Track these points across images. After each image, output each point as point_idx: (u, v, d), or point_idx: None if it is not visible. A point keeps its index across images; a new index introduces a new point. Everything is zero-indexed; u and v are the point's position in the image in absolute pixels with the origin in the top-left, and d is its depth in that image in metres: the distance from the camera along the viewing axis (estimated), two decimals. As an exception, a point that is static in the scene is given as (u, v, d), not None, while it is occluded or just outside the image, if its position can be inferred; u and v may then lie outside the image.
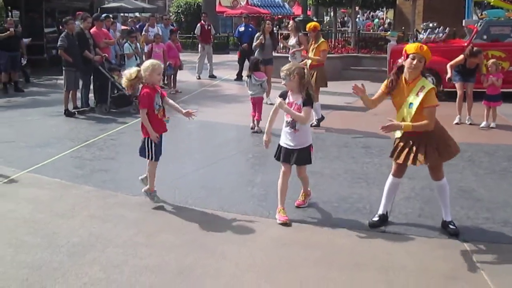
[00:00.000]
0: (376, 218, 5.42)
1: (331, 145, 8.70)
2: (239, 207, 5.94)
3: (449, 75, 10.06)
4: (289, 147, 5.55)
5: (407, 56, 4.95)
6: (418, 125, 4.92)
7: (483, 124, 10.08)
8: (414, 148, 5.06)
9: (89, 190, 6.54)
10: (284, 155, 5.59)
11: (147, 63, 5.91)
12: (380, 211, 5.47)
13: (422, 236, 5.17)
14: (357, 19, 32.26)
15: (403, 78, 5.07)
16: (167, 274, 4.40)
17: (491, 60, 10.28)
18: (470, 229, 5.32)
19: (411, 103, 4.97)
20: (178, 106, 6.11)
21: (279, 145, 5.66)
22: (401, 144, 5.16)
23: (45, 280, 4.27)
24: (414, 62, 4.90)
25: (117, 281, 4.28)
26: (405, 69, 5.01)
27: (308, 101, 5.47)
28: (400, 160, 5.15)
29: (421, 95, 4.90)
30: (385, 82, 5.25)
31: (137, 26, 18.98)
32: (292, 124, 5.51)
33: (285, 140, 5.58)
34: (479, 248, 4.90)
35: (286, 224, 5.45)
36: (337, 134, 9.54)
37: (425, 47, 4.97)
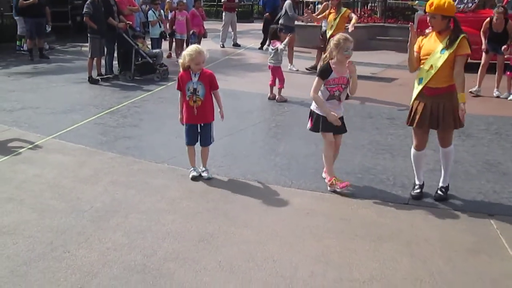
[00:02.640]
0: (418, 190, 5.40)
1: (355, 115, 8.61)
2: (261, 176, 5.93)
3: (483, 46, 9.90)
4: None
5: (428, 13, 5.10)
6: (462, 86, 4.95)
7: (504, 95, 10.02)
8: (433, 111, 5.08)
9: (113, 157, 6.59)
10: (331, 125, 5.47)
11: (188, 49, 5.75)
12: (417, 182, 5.45)
13: (446, 209, 5.12)
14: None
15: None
16: (189, 240, 4.43)
17: None
18: (495, 203, 5.25)
19: (443, 49, 4.96)
20: (220, 102, 5.90)
21: (318, 116, 5.50)
22: (420, 108, 5.13)
23: (69, 244, 4.33)
24: (429, 20, 5.05)
25: (140, 246, 4.32)
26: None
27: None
28: (422, 126, 5.16)
29: (455, 42, 4.92)
30: (418, 40, 5.25)
31: None
32: (339, 97, 5.47)
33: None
34: (504, 222, 4.83)
35: (348, 186, 5.53)
36: (362, 104, 9.44)
37: (435, 2, 4.94)
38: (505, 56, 9.90)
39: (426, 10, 5.04)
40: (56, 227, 4.65)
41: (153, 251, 4.24)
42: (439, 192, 5.33)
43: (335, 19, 10.17)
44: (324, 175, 5.75)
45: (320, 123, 5.49)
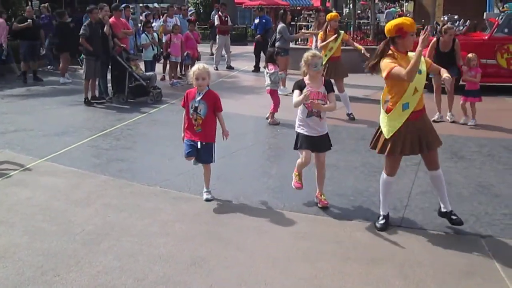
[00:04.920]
0: (382, 221, 5.22)
1: (347, 137, 8.64)
2: (254, 199, 5.92)
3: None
4: (315, 135, 5.54)
5: (405, 33, 4.89)
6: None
7: (462, 120, 9.65)
8: (413, 137, 4.94)
9: (105, 179, 6.57)
10: (308, 143, 5.56)
11: (193, 67, 5.92)
12: (383, 212, 5.27)
13: (439, 231, 5.11)
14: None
15: (396, 51, 4.97)
16: (181, 264, 4.40)
17: (470, 54, 9.66)
18: (488, 225, 5.24)
19: (419, 70, 4.84)
20: (223, 123, 5.92)
21: (299, 134, 5.62)
22: (407, 134, 4.93)
23: (59, 268, 4.30)
24: (413, 39, 4.96)
25: (131, 270, 4.28)
26: (403, 44, 4.94)
27: (331, 87, 5.63)
28: (398, 153, 5.00)
29: (423, 61, 4.90)
30: (389, 60, 4.90)
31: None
32: (318, 113, 5.52)
33: (309, 129, 5.55)
34: (497, 244, 4.83)
35: (298, 188, 5.67)
36: (355, 126, 9.47)
37: (412, 21, 5.03)
38: (468, 77, 9.55)
39: (412, 29, 4.91)
40: (47, 250, 4.62)
41: (144, 275, 4.21)
42: (453, 217, 5.10)
43: (335, 41, 10.21)
44: (316, 199, 5.76)
45: (298, 140, 5.63)
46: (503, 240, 4.92)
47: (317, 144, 5.59)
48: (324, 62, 9.84)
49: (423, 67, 4.91)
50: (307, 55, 5.54)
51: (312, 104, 5.40)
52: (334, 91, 5.64)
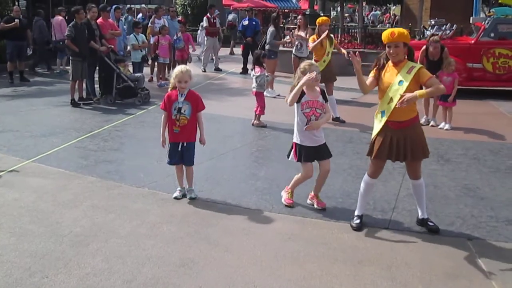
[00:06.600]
0: (358, 221, 5.30)
1: (336, 140, 8.67)
2: (242, 200, 5.93)
3: None
4: (316, 145, 5.56)
5: (385, 45, 4.99)
6: (434, 90, 4.91)
7: (441, 125, 9.71)
8: (399, 144, 4.99)
9: (93, 181, 6.54)
10: (312, 154, 5.58)
11: (175, 68, 5.97)
12: (358, 212, 5.36)
13: (426, 233, 5.16)
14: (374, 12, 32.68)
15: (390, 62, 5.06)
16: (169, 265, 4.40)
17: (450, 59, 9.70)
18: (474, 227, 5.30)
19: (401, 81, 4.92)
20: (202, 127, 5.99)
21: (301, 146, 5.57)
22: (385, 140, 5.01)
23: (47, 269, 4.28)
24: (391, 50, 4.93)
25: (120, 271, 4.28)
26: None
27: (326, 96, 5.67)
28: (383, 157, 5.08)
29: (412, 72, 4.90)
30: (373, 65, 5.17)
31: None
32: (317, 120, 5.54)
33: (310, 139, 5.54)
34: (483, 246, 4.88)
35: (290, 206, 5.73)
36: (342, 129, 9.51)
37: (396, 32, 4.93)
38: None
39: (386, 41, 4.94)
40: (35, 251, 4.60)
41: (133, 277, 4.20)
42: (430, 224, 5.22)
43: (330, 46, 10.23)
44: (311, 201, 5.81)
45: (302, 154, 5.58)
46: (488, 242, 4.98)
47: (319, 153, 5.59)
48: (323, 68, 9.87)
49: (405, 78, 4.91)
50: (305, 65, 5.50)
51: (313, 125, 5.45)
52: (328, 101, 5.69)
